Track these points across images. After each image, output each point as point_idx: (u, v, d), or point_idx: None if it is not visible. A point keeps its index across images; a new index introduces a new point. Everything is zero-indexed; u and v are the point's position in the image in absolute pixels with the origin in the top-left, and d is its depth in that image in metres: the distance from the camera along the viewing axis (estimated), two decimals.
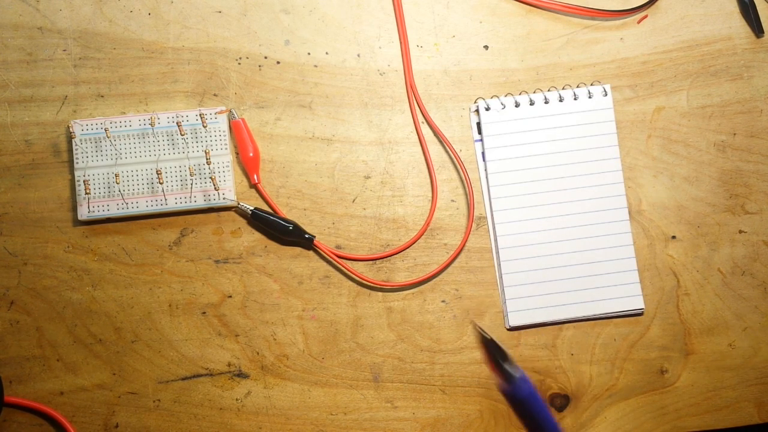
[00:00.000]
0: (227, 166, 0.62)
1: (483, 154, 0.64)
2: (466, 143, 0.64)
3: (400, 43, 0.65)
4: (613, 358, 0.62)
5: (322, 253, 0.63)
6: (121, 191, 0.61)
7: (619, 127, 0.64)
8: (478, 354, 0.62)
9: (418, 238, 0.63)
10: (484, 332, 0.43)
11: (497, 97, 0.64)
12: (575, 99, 0.64)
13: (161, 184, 0.62)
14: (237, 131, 0.63)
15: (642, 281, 0.63)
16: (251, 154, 0.62)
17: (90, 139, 0.62)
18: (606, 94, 0.64)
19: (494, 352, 0.43)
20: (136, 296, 0.62)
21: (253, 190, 0.63)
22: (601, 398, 0.62)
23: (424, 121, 0.64)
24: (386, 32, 0.65)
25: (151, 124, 0.62)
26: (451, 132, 0.64)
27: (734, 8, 0.66)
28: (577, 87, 0.64)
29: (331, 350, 0.62)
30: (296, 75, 0.64)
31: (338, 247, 0.63)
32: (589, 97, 0.64)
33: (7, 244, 0.62)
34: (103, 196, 0.61)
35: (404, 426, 0.61)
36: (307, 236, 0.62)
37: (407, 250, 0.63)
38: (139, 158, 0.62)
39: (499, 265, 0.63)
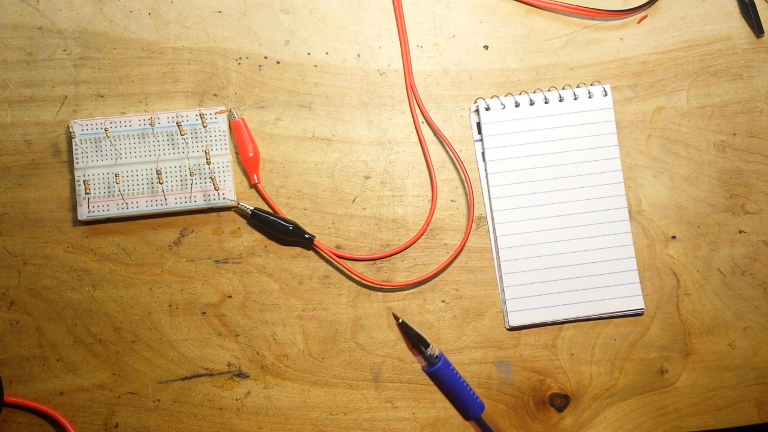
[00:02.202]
0: (227, 166, 0.62)
1: (483, 154, 0.64)
2: (466, 143, 0.64)
3: (400, 43, 0.65)
4: (613, 358, 0.62)
5: (322, 253, 0.63)
6: (121, 191, 0.61)
7: (619, 127, 0.64)
8: (478, 354, 0.62)
9: (418, 238, 0.63)
10: (402, 320, 0.47)
11: (497, 97, 0.64)
12: (575, 99, 0.64)
13: (161, 184, 0.62)
14: (237, 131, 0.63)
15: (642, 281, 0.63)
16: (251, 154, 0.62)
17: (90, 139, 0.62)
18: (606, 94, 0.64)
19: (414, 339, 0.46)
20: (136, 296, 0.62)
21: (253, 190, 0.63)
22: (601, 398, 0.62)
23: (424, 121, 0.64)
24: (386, 32, 0.65)
25: (151, 124, 0.62)
26: (451, 132, 0.64)
27: (734, 8, 0.66)
28: (577, 87, 0.64)
29: (331, 350, 0.62)
30: (296, 75, 0.64)
31: (338, 247, 0.63)
32: (589, 97, 0.64)
33: (7, 244, 0.62)
34: (103, 196, 0.61)
35: (404, 426, 0.61)
36: (307, 236, 0.62)
37: (407, 250, 0.63)
38: (139, 158, 0.62)
39: (499, 265, 0.63)
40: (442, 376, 0.47)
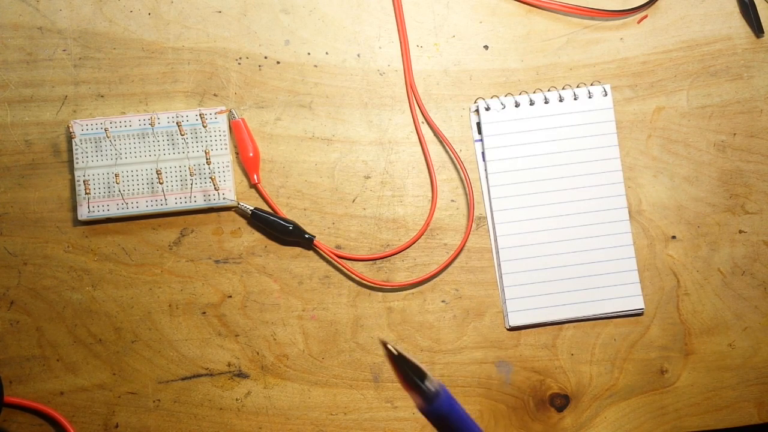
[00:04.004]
0: (227, 166, 0.62)
1: (483, 154, 0.64)
2: (466, 143, 0.64)
3: (400, 43, 0.65)
4: (613, 358, 0.62)
5: (322, 253, 0.63)
6: (121, 191, 0.61)
7: (619, 127, 0.64)
8: (478, 354, 0.62)
9: (418, 238, 0.63)
10: (394, 348, 0.38)
11: (497, 97, 0.64)
12: (575, 99, 0.64)
13: (161, 184, 0.62)
14: (237, 131, 0.63)
15: (642, 281, 0.63)
16: (251, 154, 0.62)
17: (90, 139, 0.62)
18: (606, 94, 0.64)
19: (408, 370, 0.38)
20: (136, 296, 0.62)
21: (253, 190, 0.63)
22: (601, 398, 0.62)
23: (424, 121, 0.64)
24: (386, 32, 0.65)
25: (151, 124, 0.62)
26: (451, 132, 0.64)
27: (734, 8, 0.66)
28: (577, 87, 0.64)
29: (331, 350, 0.62)
30: (296, 75, 0.64)
31: (338, 247, 0.63)
32: (589, 97, 0.64)
33: (7, 244, 0.62)
34: (103, 196, 0.61)
35: (404, 426, 0.61)
36: (307, 236, 0.62)
37: (407, 250, 0.63)
38: (139, 158, 0.62)
39: (499, 265, 0.63)
40: (449, 415, 0.37)
